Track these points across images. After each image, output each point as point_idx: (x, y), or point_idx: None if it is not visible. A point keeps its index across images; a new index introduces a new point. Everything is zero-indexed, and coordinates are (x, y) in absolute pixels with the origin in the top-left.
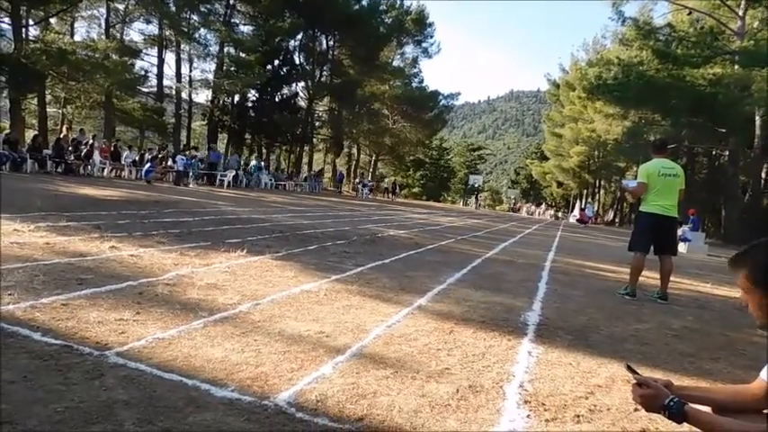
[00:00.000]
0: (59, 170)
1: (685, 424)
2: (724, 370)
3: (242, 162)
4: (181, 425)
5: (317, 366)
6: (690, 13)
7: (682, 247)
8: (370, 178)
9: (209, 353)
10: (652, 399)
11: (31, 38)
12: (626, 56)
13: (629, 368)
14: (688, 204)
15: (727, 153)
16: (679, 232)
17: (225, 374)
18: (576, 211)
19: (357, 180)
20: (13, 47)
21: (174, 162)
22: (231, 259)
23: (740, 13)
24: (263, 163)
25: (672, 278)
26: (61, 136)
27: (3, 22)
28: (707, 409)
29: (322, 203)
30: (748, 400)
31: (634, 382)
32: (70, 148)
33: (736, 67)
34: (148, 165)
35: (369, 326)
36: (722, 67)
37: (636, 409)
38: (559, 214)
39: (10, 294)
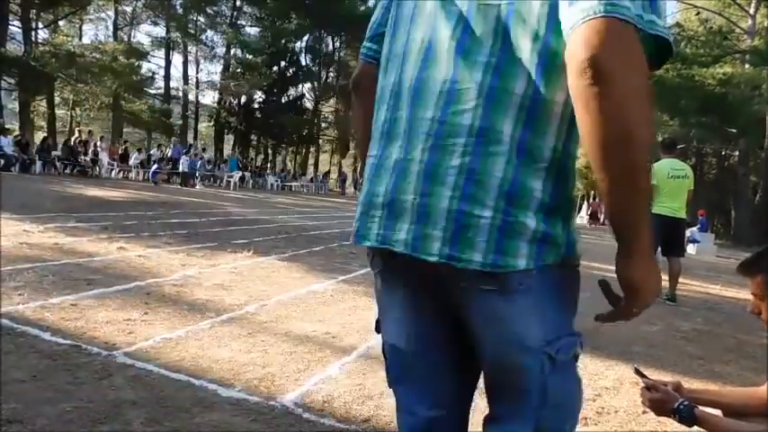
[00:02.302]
0: (68, 171)
1: (695, 427)
2: (734, 373)
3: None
4: (188, 425)
5: (323, 367)
6: (698, 13)
7: (691, 249)
8: None
9: (217, 353)
10: (662, 402)
11: (40, 41)
12: None
13: (638, 372)
14: (697, 205)
15: (737, 153)
16: (688, 233)
17: (232, 375)
18: (584, 212)
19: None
20: (22, 50)
21: (172, 161)
22: (238, 260)
23: (751, 11)
24: (238, 157)
25: (680, 280)
26: (75, 138)
27: (13, 25)
28: (717, 412)
29: (328, 204)
30: (759, 404)
31: (643, 385)
32: (80, 150)
33: (747, 66)
34: (155, 166)
35: None
36: (732, 67)
37: (644, 412)
38: None
39: (20, 295)
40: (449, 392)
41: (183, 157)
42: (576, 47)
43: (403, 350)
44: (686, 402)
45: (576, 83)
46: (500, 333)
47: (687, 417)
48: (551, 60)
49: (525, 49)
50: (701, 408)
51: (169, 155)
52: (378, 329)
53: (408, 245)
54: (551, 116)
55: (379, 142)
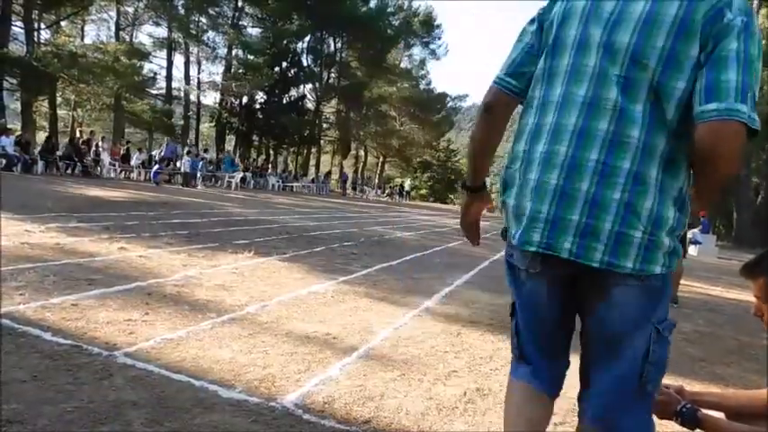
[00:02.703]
0: (69, 171)
1: (698, 430)
2: (735, 375)
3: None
4: (189, 426)
5: (324, 368)
6: None
7: (692, 250)
8: (377, 181)
9: (217, 354)
10: (664, 405)
11: (42, 41)
12: None
13: None
14: (699, 206)
15: None
16: (689, 235)
17: (232, 376)
18: None
19: (361, 183)
20: (25, 50)
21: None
22: (239, 260)
23: (758, 16)
24: (231, 156)
25: (682, 281)
26: (78, 139)
27: (15, 25)
28: (720, 415)
29: (329, 205)
30: (761, 406)
31: None
32: (84, 149)
33: None
34: (157, 167)
35: (376, 328)
36: None
37: None
38: None
39: (21, 294)
40: (563, 349)
41: (185, 157)
42: (705, 135)
43: (540, 320)
44: (689, 405)
45: (699, 158)
46: (631, 312)
47: (690, 420)
48: (686, 127)
49: (669, 116)
50: (703, 411)
51: (162, 154)
52: (512, 313)
53: (573, 253)
54: (682, 165)
55: (538, 168)
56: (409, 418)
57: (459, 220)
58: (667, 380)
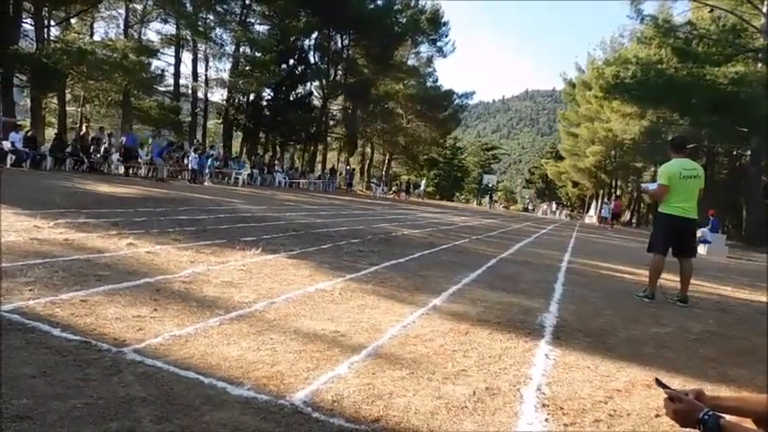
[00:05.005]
0: (76, 167)
1: None
2: (748, 376)
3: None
4: (198, 423)
5: (332, 366)
6: (711, 11)
7: (701, 249)
8: (384, 179)
9: (226, 351)
10: (686, 414)
11: (52, 38)
12: (644, 54)
13: (659, 383)
14: (708, 205)
15: (748, 153)
16: (699, 234)
17: (241, 373)
18: (592, 211)
19: (372, 179)
20: (35, 47)
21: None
22: (246, 257)
23: (764, 9)
24: (213, 152)
25: (692, 281)
26: (91, 135)
27: (25, 22)
28: (747, 421)
29: (336, 202)
30: None
31: (666, 396)
32: (92, 145)
33: (760, 65)
34: (158, 155)
35: (384, 326)
36: (745, 66)
37: (657, 416)
38: (573, 214)
39: (30, 290)
40: None
41: (192, 154)
42: None
43: None
44: (711, 413)
45: None
46: None
47: (712, 428)
48: None
49: None
50: (726, 417)
51: (123, 142)
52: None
53: None
54: None
55: None
56: (419, 417)
57: (465, 218)
58: (678, 379)
